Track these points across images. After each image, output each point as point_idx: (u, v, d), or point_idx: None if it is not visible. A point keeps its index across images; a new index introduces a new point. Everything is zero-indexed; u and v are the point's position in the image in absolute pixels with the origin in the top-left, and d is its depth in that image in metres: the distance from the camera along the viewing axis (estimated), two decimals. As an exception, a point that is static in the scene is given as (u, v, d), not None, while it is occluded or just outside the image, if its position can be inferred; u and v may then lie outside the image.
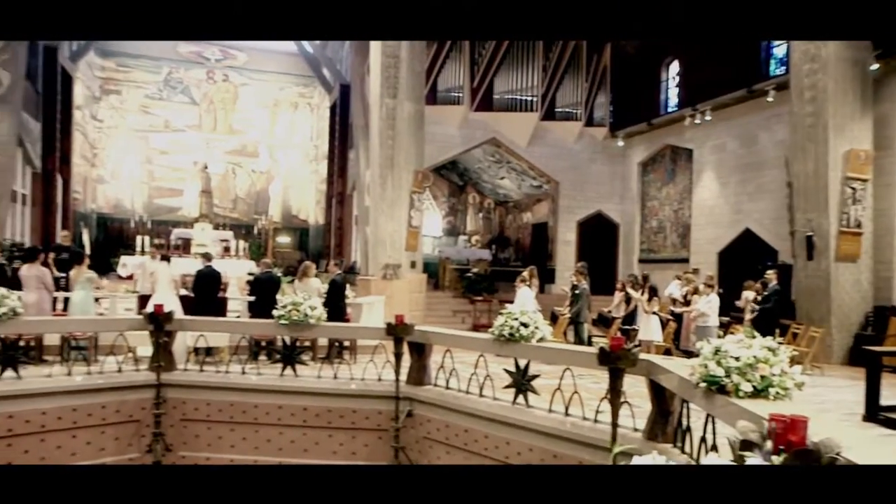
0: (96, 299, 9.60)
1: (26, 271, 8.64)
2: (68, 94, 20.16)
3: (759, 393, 3.31)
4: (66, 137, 19.89)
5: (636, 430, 4.96)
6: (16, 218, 17.04)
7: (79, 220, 21.66)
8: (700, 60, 16.41)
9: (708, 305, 10.14)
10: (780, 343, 3.59)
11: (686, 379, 3.88)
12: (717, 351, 3.51)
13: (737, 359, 3.39)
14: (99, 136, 24.13)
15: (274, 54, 25.53)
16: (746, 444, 2.21)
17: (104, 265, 17.07)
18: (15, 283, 8.29)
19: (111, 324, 8.31)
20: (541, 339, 6.03)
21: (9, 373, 6.47)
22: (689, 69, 17.30)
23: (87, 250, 16.97)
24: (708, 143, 16.41)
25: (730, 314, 11.80)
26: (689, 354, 9.64)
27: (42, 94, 18.63)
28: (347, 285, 10.68)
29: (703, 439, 3.85)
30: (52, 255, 11.39)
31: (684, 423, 4.34)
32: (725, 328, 10.42)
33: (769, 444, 2.10)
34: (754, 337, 3.55)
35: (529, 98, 18.58)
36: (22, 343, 7.59)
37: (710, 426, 3.78)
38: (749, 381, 3.31)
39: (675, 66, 18.17)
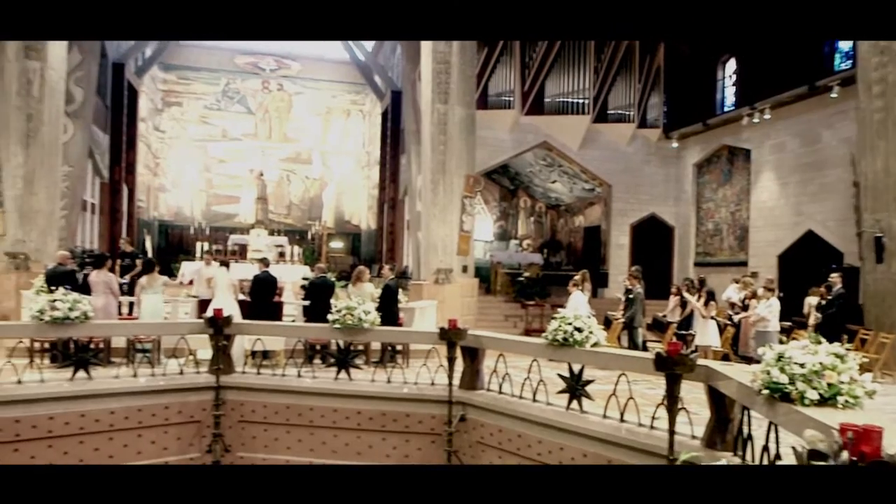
0: (159, 303, 9.96)
1: (95, 277, 9.04)
2: (134, 108, 21.04)
3: (826, 401, 3.19)
4: (131, 148, 20.77)
5: (694, 437, 4.85)
6: (85, 226, 17.85)
7: (142, 228, 22.51)
8: (758, 57, 15.92)
9: (768, 310, 9.80)
10: (847, 349, 3.45)
11: (747, 385, 3.77)
12: (780, 357, 3.40)
13: (801, 365, 3.27)
14: (161, 146, 25.03)
15: (326, 63, 26.00)
16: (815, 454, 2.13)
17: (166, 271, 17.70)
18: (86, 289, 8.68)
19: (174, 327, 8.61)
20: (595, 344, 5.96)
21: (80, 374, 6.77)
22: (747, 67, 16.80)
23: (150, 256, 17.64)
24: (767, 143, 15.91)
25: (791, 319, 11.39)
26: (749, 360, 9.35)
27: (110, 108, 19.50)
28: (400, 290, 10.76)
29: (765, 448, 3.73)
30: (118, 262, 11.93)
31: (745, 430, 4.21)
32: (787, 334, 10.07)
33: (845, 455, 2.02)
34: (820, 343, 3.42)
35: (581, 101, 18.37)
36: (91, 345, 7.94)
37: (772, 434, 3.66)
38: (815, 388, 3.20)
39: (731, 65, 17.68)
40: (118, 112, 19.92)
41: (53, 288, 7.48)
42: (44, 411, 6.30)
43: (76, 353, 7.11)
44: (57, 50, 12.43)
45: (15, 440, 6.15)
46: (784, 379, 3.29)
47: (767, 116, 15.33)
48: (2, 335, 8.64)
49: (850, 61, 13.37)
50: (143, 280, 9.39)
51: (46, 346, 8.49)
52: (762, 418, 3.69)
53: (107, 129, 19.33)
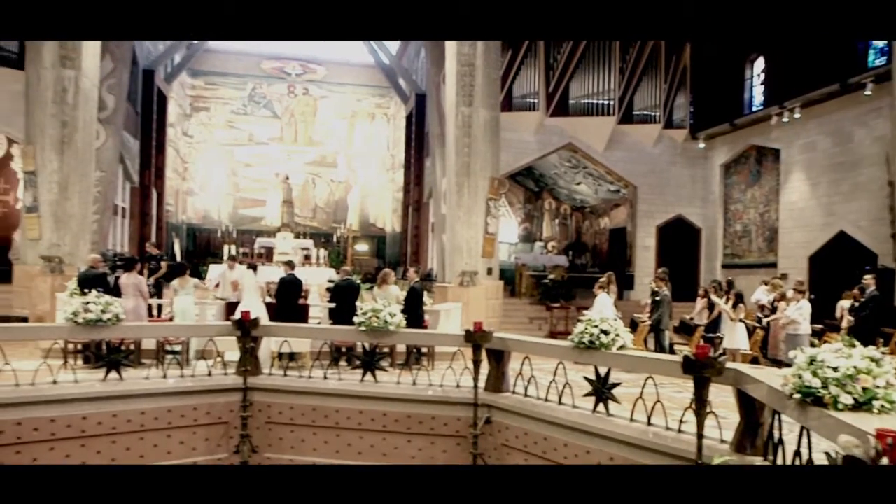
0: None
1: (125, 280, 9.22)
2: (163, 113, 21.42)
3: (861, 406, 3.12)
4: (160, 153, 21.14)
5: (723, 441, 4.78)
6: (116, 229, 18.21)
7: (171, 231, 22.88)
8: (788, 56, 15.66)
9: (798, 312, 9.62)
10: (882, 353, 3.38)
11: (777, 389, 3.71)
12: (812, 360, 3.34)
13: (835, 369, 3.21)
14: (189, 150, 25.44)
15: (351, 67, 26.21)
16: (850, 460, 2.08)
17: (194, 273, 17.92)
18: (116, 291, 8.85)
19: (202, 329, 8.73)
20: (621, 347, 5.91)
21: (112, 375, 6.90)
22: (776, 65, 16.53)
23: (178, 259, 17.94)
24: (797, 143, 15.63)
25: (823, 321, 11.16)
26: (778, 364, 9.19)
27: (140, 113, 19.87)
28: (425, 292, 10.78)
29: (797, 453, 3.66)
30: (146, 265, 12.16)
31: (776, 435, 4.14)
32: (819, 337, 9.88)
33: (885, 461, 1.97)
34: (854, 346, 3.35)
35: (606, 102, 18.24)
36: (122, 347, 8.09)
37: (804, 439, 3.59)
38: (849, 393, 3.13)
39: (759, 63, 17.42)
40: (148, 118, 20.30)
41: (86, 290, 7.65)
42: (77, 411, 6.44)
43: (108, 355, 7.24)
44: (91, 58, 12.71)
45: (51, 439, 6.29)
46: (817, 383, 3.23)
47: (797, 115, 15.07)
48: (38, 336, 8.87)
49: (885, 57, 13.10)
50: (176, 282, 9.57)
51: (79, 347, 8.67)
52: (793, 423, 3.62)
53: (137, 134, 19.71)
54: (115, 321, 7.07)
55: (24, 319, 11.64)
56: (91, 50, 12.71)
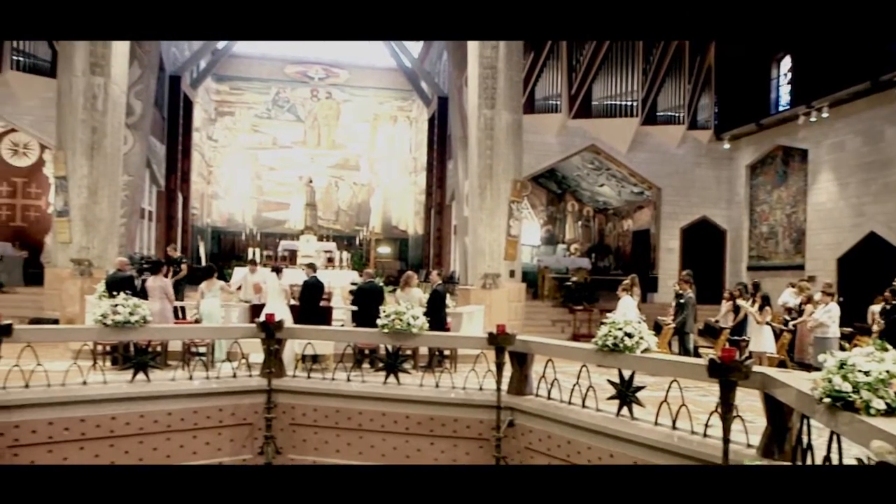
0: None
1: (152, 282, 9.37)
2: (189, 118, 21.73)
3: (894, 411, 3.06)
4: (186, 158, 21.45)
5: (750, 446, 4.71)
6: (143, 233, 18.50)
7: (196, 234, 23.18)
8: (816, 54, 15.40)
9: (827, 315, 9.46)
10: (916, 357, 3.30)
11: (806, 393, 3.65)
12: (842, 364, 3.28)
13: (866, 373, 3.14)
14: (214, 154, 25.76)
15: (373, 70, 26.35)
16: (884, 467, 2.04)
17: (218, 276, 18.11)
18: (143, 294, 9.00)
19: (227, 332, 8.83)
20: (645, 350, 5.85)
21: (140, 376, 7.01)
22: (803, 64, 16.27)
23: (203, 262, 18.17)
24: (825, 142, 15.37)
25: (853, 325, 10.95)
26: (806, 367, 9.04)
27: (167, 119, 20.19)
28: (447, 295, 10.78)
29: (826, 458, 3.60)
30: (170, 269, 12.34)
31: (804, 440, 4.07)
32: (848, 340, 9.69)
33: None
34: (886, 350, 3.28)
35: (629, 103, 18.09)
36: (149, 349, 8.21)
37: (834, 444, 3.53)
38: (882, 397, 3.06)
39: (786, 62, 17.16)
40: (174, 123, 20.62)
41: (114, 293, 7.78)
42: (106, 411, 6.55)
43: (135, 356, 7.36)
44: (119, 65, 12.96)
45: (80, 439, 6.42)
46: (847, 387, 3.17)
47: (825, 115, 14.82)
48: (68, 338, 9.04)
49: (917, 55, 12.82)
50: (203, 285, 9.72)
51: (108, 348, 8.82)
52: (822, 427, 3.56)
53: (163, 139, 20.02)
54: (142, 323, 7.19)
55: (55, 321, 11.88)
56: (120, 57, 12.95)
